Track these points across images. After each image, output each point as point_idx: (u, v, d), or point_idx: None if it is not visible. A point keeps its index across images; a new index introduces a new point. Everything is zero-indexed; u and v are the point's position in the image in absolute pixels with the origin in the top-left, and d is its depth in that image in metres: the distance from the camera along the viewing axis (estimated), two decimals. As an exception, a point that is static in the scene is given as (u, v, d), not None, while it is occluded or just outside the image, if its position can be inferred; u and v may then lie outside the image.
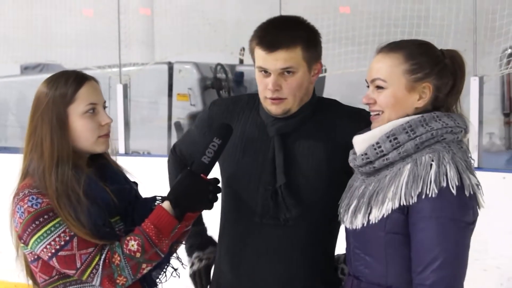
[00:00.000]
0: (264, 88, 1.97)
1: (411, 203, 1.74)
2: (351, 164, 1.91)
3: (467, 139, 1.89)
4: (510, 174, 3.63)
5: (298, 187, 2.00)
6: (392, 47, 1.85)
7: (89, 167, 1.90)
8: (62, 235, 1.78)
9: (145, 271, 1.84)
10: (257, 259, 2.04)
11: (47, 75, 1.95)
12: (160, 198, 1.95)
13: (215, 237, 2.22)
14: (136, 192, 2.00)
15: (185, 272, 2.06)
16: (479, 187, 1.78)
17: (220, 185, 1.89)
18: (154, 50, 6.46)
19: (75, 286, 1.86)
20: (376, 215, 1.78)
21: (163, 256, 1.84)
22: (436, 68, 1.82)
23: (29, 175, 1.87)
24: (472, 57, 3.81)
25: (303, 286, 2.04)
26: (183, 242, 2.04)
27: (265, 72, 1.96)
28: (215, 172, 1.95)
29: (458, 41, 4.05)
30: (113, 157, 2.02)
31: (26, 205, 1.80)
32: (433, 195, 1.71)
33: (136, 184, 2.04)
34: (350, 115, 2.05)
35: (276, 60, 1.93)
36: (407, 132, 1.79)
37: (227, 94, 6.11)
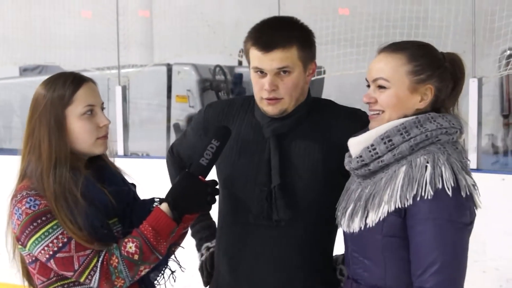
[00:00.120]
0: (260, 88, 1.97)
1: (406, 206, 1.73)
2: (346, 167, 1.91)
3: (463, 140, 1.89)
4: (509, 176, 3.63)
5: (293, 188, 2.00)
6: (395, 48, 1.85)
7: (88, 168, 1.90)
8: (60, 236, 1.78)
9: (143, 273, 1.84)
10: (255, 261, 2.04)
11: (46, 77, 1.95)
12: (158, 199, 1.95)
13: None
14: (134, 194, 2.00)
15: (182, 274, 2.06)
16: (476, 187, 1.78)
17: (218, 186, 1.89)
18: (153, 51, 6.47)
19: (73, 288, 1.86)
20: (373, 218, 1.78)
21: (161, 258, 1.84)
22: (438, 70, 1.82)
23: (27, 176, 1.87)
24: (471, 59, 3.80)
25: (302, 286, 2.04)
26: (181, 245, 2.03)
27: (261, 72, 1.96)
28: (212, 175, 1.95)
29: (457, 43, 4.05)
30: (111, 159, 2.01)
31: (24, 207, 1.80)
32: (429, 197, 1.71)
33: (134, 185, 2.03)
34: (346, 115, 2.06)
35: (272, 60, 1.93)
36: (401, 134, 1.79)
37: (226, 96, 6.11)
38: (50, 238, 1.78)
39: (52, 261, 1.79)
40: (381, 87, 1.83)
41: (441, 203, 1.71)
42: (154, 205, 1.93)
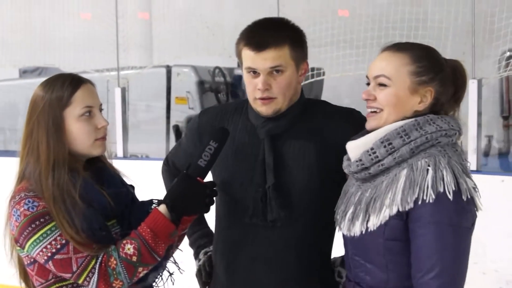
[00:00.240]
0: (254, 88, 1.98)
1: (407, 209, 1.73)
2: (345, 171, 1.90)
3: (461, 142, 1.89)
4: (508, 177, 3.62)
5: (288, 188, 2.00)
6: (399, 47, 1.85)
7: (86, 170, 1.90)
8: (58, 238, 1.78)
9: (141, 275, 1.83)
10: (252, 262, 2.04)
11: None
12: (156, 201, 1.94)
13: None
14: (133, 196, 2.00)
15: (181, 276, 2.05)
16: (476, 190, 1.78)
17: (216, 188, 1.89)
18: (152, 53, 6.46)
19: (71, 290, 1.86)
20: (374, 222, 1.77)
21: (159, 259, 1.84)
22: (440, 74, 1.82)
23: (26, 178, 1.87)
24: (470, 60, 3.80)
25: (300, 287, 2.03)
26: (179, 247, 2.03)
27: (254, 72, 1.97)
28: (208, 179, 1.95)
29: (457, 44, 4.04)
30: (110, 160, 2.01)
31: (22, 208, 1.80)
32: (431, 201, 1.70)
33: (133, 187, 2.03)
34: (341, 115, 2.06)
35: (265, 59, 1.94)
36: (401, 137, 1.78)
37: (225, 98, 6.11)
38: (48, 239, 1.78)
39: (50, 262, 1.79)
40: (381, 84, 1.82)
41: (442, 207, 1.70)
42: (152, 206, 1.93)
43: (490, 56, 4.01)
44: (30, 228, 1.79)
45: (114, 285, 1.79)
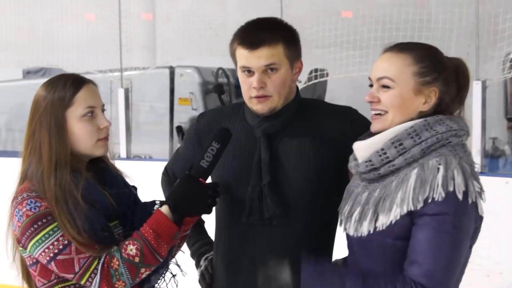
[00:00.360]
0: (249, 87, 1.99)
1: (418, 208, 1.71)
2: (352, 171, 1.88)
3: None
4: (513, 179, 3.61)
5: (284, 186, 2.00)
6: (401, 48, 1.83)
7: (89, 170, 1.89)
8: (60, 239, 1.78)
9: (143, 276, 1.83)
10: (252, 261, 2.03)
11: (49, 80, 1.94)
12: (159, 202, 1.94)
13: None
14: (135, 196, 2.00)
15: (183, 278, 2.05)
16: (481, 194, 1.76)
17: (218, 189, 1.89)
18: (155, 54, 6.45)
19: (73, 291, 1.85)
20: (383, 221, 1.75)
21: (161, 260, 1.84)
22: (443, 74, 1.81)
23: (28, 178, 1.87)
24: (474, 61, 3.79)
25: (297, 286, 2.02)
26: (181, 249, 2.02)
27: (249, 71, 1.99)
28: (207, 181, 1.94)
29: (461, 45, 4.03)
30: (112, 161, 2.01)
31: (24, 209, 1.80)
32: (439, 199, 1.69)
33: (135, 188, 2.03)
34: (338, 113, 2.07)
35: (259, 57, 1.95)
36: (412, 137, 1.77)
37: (228, 99, 6.11)
38: (50, 240, 1.78)
39: (52, 263, 1.79)
40: (385, 86, 1.81)
41: (449, 205, 1.69)
42: (155, 207, 1.92)
43: (494, 58, 4.00)
44: (32, 229, 1.78)
45: (116, 286, 1.79)
